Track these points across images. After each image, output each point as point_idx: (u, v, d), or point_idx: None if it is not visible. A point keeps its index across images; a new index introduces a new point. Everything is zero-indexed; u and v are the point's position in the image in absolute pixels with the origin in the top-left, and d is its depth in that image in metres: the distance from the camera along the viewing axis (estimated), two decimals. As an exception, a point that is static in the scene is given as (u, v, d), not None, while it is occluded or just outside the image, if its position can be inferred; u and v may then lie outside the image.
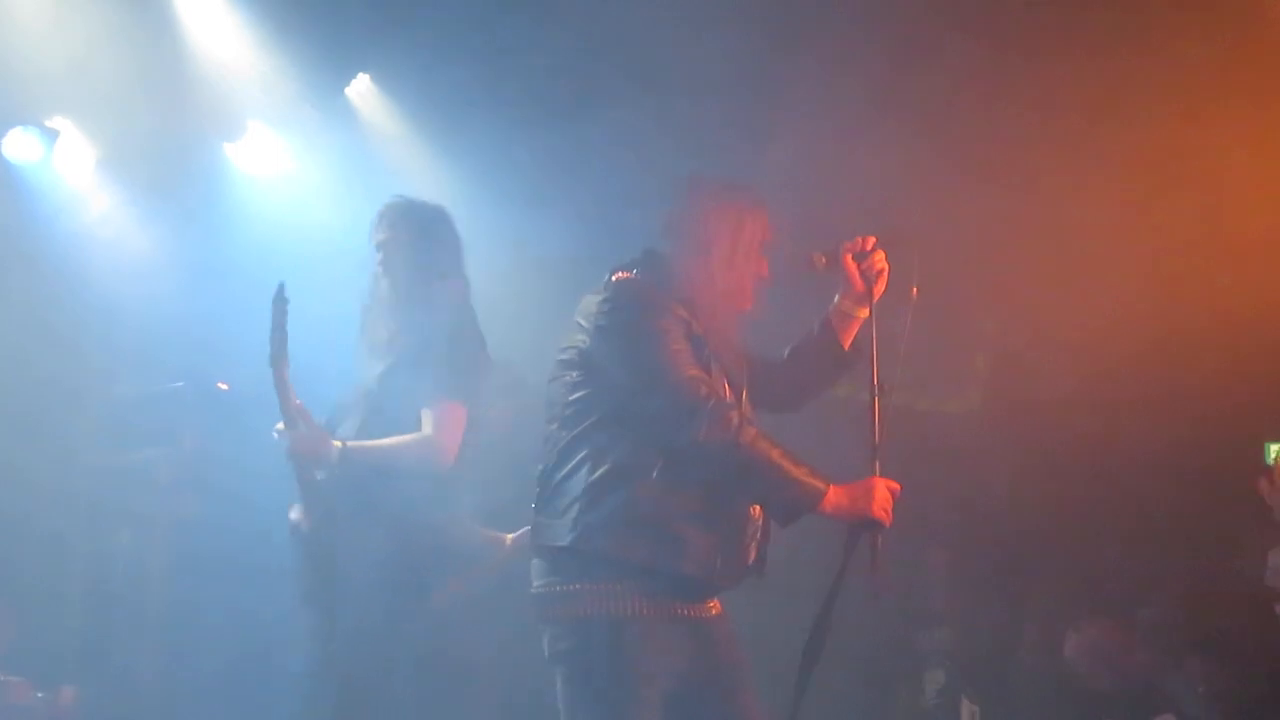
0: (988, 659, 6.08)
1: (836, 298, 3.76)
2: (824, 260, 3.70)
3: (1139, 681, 5.45)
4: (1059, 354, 6.24)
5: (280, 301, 4.34)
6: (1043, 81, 5.78)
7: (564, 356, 3.53)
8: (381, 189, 5.36)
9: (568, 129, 6.34)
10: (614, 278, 3.55)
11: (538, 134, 6.40)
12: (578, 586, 3.40)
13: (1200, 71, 5.52)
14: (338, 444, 4.30)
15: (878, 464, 3.45)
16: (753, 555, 3.55)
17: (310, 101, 6.59)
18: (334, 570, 4.35)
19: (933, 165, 5.93)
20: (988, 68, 5.83)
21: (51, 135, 6.36)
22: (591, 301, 3.52)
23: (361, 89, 6.72)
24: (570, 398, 3.48)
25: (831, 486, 3.37)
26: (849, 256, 3.68)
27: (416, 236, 4.61)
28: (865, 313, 3.70)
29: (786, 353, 3.84)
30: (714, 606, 3.56)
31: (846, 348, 3.76)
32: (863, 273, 3.67)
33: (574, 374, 3.49)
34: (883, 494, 3.40)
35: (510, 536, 5.73)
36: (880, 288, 3.67)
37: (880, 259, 3.67)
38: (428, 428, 4.37)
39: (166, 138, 6.36)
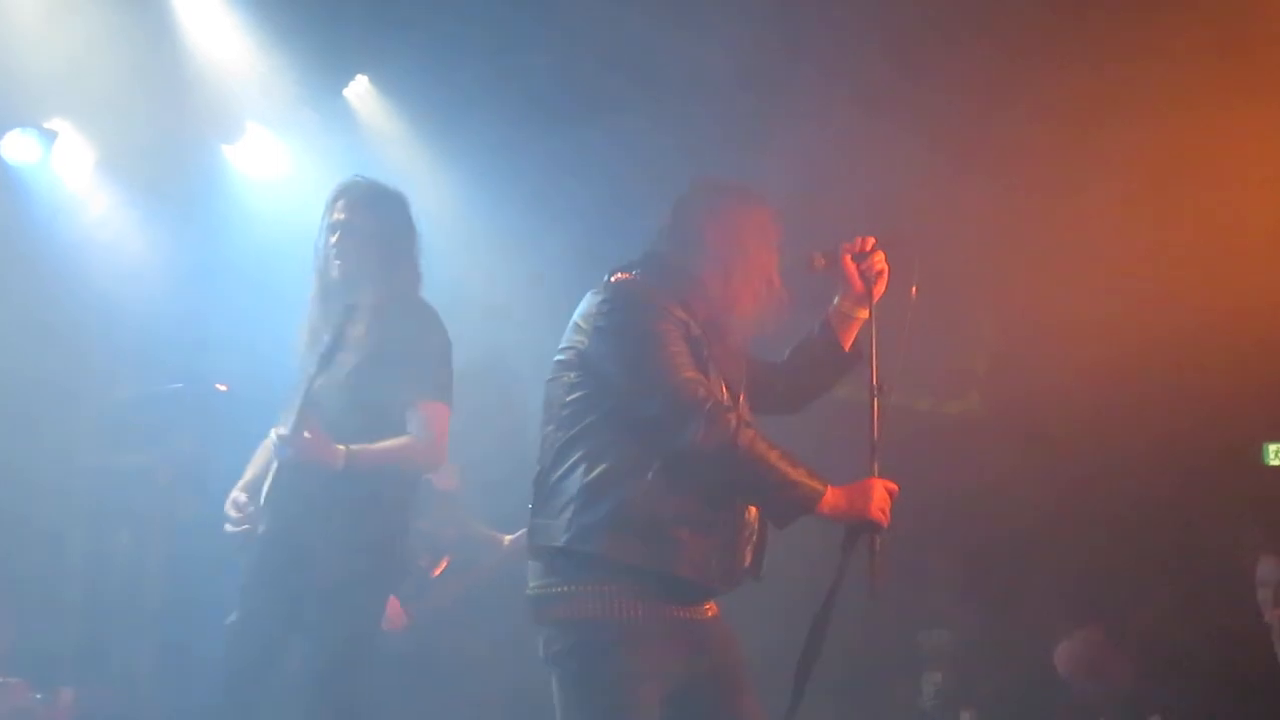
0: (986, 660, 6.07)
1: (836, 299, 3.76)
2: (823, 261, 3.69)
3: (1126, 693, 5.44)
4: (1058, 354, 6.22)
5: (351, 309, 4.23)
6: (1042, 81, 5.77)
7: (562, 357, 3.52)
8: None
9: (567, 131, 6.34)
10: (613, 279, 3.54)
11: (537, 135, 6.39)
12: (573, 588, 3.38)
13: (1199, 71, 5.52)
14: (343, 448, 4.22)
15: (876, 465, 3.44)
16: (749, 558, 3.53)
17: (309, 103, 6.59)
18: (303, 575, 4.25)
19: (932, 165, 5.92)
20: (987, 67, 5.82)
21: (50, 137, 6.36)
22: (590, 302, 3.51)
23: (360, 90, 6.72)
24: (568, 398, 3.46)
25: (830, 488, 3.36)
26: (848, 257, 3.67)
27: (382, 221, 4.43)
28: (865, 314, 3.69)
29: (786, 354, 3.83)
30: (710, 609, 3.55)
31: (847, 349, 3.76)
32: (862, 273, 3.66)
33: (572, 375, 3.48)
34: (881, 495, 3.40)
35: (508, 537, 5.75)
36: (880, 288, 3.66)
37: (879, 260, 3.66)
38: (419, 429, 4.31)
39: (165, 139, 6.36)
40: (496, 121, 6.41)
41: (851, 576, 3.40)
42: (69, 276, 6.39)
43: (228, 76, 6.27)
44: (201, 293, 6.44)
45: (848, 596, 3.40)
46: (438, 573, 5.63)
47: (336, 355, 4.23)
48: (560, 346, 3.53)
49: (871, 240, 3.68)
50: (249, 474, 4.52)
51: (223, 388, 6.53)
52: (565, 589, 3.40)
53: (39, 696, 5.83)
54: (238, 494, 4.46)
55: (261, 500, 4.36)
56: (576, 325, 3.51)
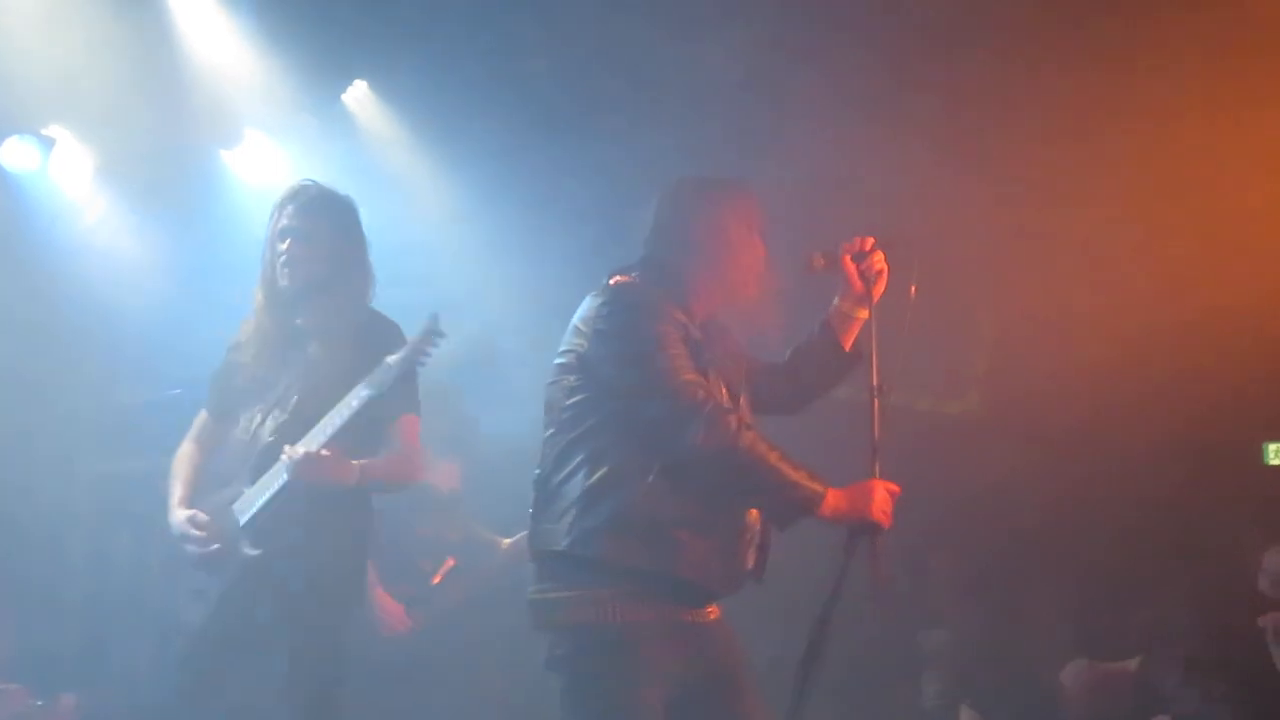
0: (986, 660, 6.07)
1: (836, 299, 3.76)
2: (823, 261, 3.69)
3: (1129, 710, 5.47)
4: (1058, 354, 6.23)
5: (432, 334, 4.02)
6: (1042, 83, 5.78)
7: (562, 360, 3.52)
8: (379, 196, 5.36)
9: (568, 134, 6.35)
10: (612, 282, 3.54)
11: (536, 139, 6.40)
12: (574, 592, 3.38)
13: (1199, 72, 5.53)
14: (356, 464, 4.09)
15: (878, 465, 3.44)
16: (751, 560, 3.53)
17: (307, 108, 6.59)
18: (283, 604, 4.12)
19: (932, 166, 5.93)
20: (987, 71, 5.83)
21: (48, 143, 6.35)
22: (590, 305, 3.51)
23: (359, 95, 6.71)
24: (568, 401, 3.47)
25: (831, 489, 3.36)
26: (848, 257, 3.67)
27: (334, 228, 4.21)
28: (865, 314, 3.69)
29: (786, 355, 3.83)
30: (712, 611, 3.55)
31: (847, 349, 3.76)
32: (862, 274, 3.66)
33: (572, 378, 3.48)
34: (882, 496, 3.40)
35: (507, 541, 5.74)
36: (880, 288, 3.66)
37: (879, 260, 3.66)
38: (402, 442, 4.19)
39: (164, 145, 6.36)
40: (496, 126, 6.41)
41: (853, 577, 3.40)
42: (68, 282, 6.39)
43: (226, 82, 6.26)
44: (201, 298, 6.44)
45: (849, 597, 3.40)
46: (438, 579, 5.63)
47: (315, 371, 4.14)
48: (560, 350, 3.53)
49: (871, 240, 3.68)
50: (183, 490, 4.37)
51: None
52: (567, 594, 3.40)
53: (39, 703, 5.82)
54: (195, 513, 4.29)
55: (242, 521, 4.20)
56: (576, 328, 3.51)
